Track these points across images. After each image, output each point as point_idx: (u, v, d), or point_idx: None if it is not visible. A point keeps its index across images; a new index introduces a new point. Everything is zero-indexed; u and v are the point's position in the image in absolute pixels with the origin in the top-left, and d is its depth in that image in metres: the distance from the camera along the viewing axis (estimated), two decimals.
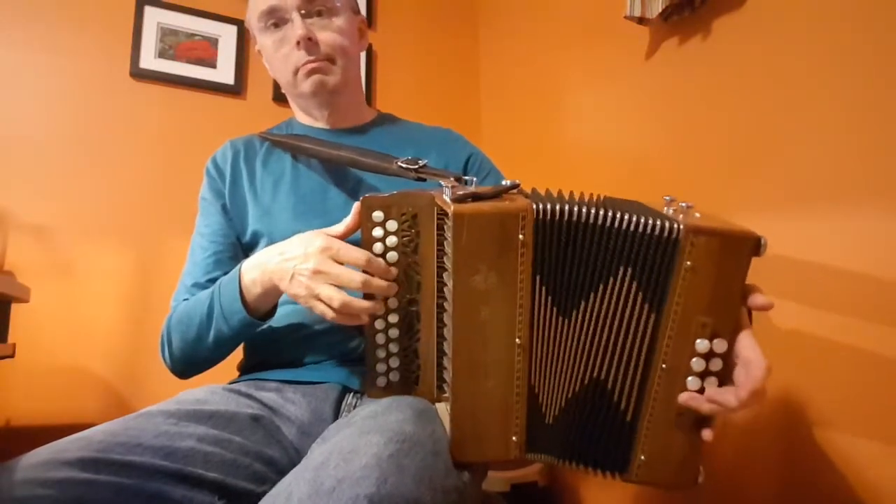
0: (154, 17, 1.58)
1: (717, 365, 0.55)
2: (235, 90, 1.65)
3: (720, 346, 0.54)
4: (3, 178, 1.38)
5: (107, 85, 1.52)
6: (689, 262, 0.54)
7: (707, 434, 0.56)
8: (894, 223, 0.73)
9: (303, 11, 0.86)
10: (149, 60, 1.56)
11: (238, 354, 0.86)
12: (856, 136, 0.78)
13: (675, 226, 0.54)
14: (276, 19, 0.87)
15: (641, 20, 1.12)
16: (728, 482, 0.93)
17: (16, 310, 1.24)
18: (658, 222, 0.55)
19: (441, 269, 0.63)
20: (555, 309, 0.58)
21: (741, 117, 0.97)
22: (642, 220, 0.55)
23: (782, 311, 0.86)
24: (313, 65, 0.86)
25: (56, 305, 1.38)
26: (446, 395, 0.63)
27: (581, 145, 1.43)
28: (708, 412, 0.54)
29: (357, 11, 0.96)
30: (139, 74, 1.55)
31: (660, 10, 1.05)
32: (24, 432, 1.30)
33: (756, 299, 0.55)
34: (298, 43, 0.85)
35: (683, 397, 0.55)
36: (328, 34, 0.87)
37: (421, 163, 0.77)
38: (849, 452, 0.77)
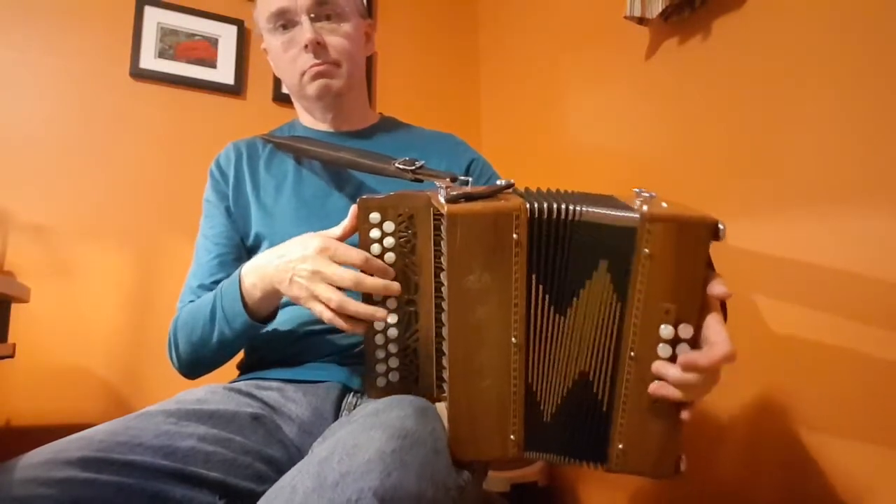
0: (154, 17, 1.58)
1: (683, 350, 0.55)
2: (235, 90, 1.65)
3: (685, 331, 0.55)
4: (4, 178, 1.38)
5: (107, 85, 1.52)
6: (646, 250, 0.54)
7: (685, 415, 0.56)
8: (894, 224, 0.73)
9: (312, 15, 0.86)
10: (149, 60, 1.56)
11: (238, 354, 0.86)
12: (856, 137, 0.79)
13: (632, 215, 0.55)
14: (285, 21, 0.87)
15: (641, 20, 1.12)
16: (727, 485, 0.93)
17: (16, 310, 1.24)
18: (618, 213, 0.56)
19: (438, 269, 0.63)
20: (551, 307, 0.58)
21: (741, 117, 0.97)
22: (608, 213, 0.56)
23: (781, 312, 0.86)
24: (319, 68, 0.87)
25: (56, 305, 1.38)
26: (446, 394, 0.63)
27: (581, 145, 1.43)
28: (675, 396, 0.54)
29: (365, 16, 0.96)
30: (139, 74, 1.55)
31: (660, 11, 1.05)
32: (24, 432, 1.30)
33: (714, 287, 0.55)
34: (306, 46, 0.85)
35: (652, 388, 0.55)
36: (336, 39, 0.88)
37: (418, 164, 0.77)
38: (847, 456, 0.77)
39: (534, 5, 1.68)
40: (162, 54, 1.58)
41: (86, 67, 1.50)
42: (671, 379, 0.54)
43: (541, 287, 0.58)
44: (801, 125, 0.86)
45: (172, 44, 1.60)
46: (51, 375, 1.35)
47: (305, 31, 0.85)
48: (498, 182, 0.61)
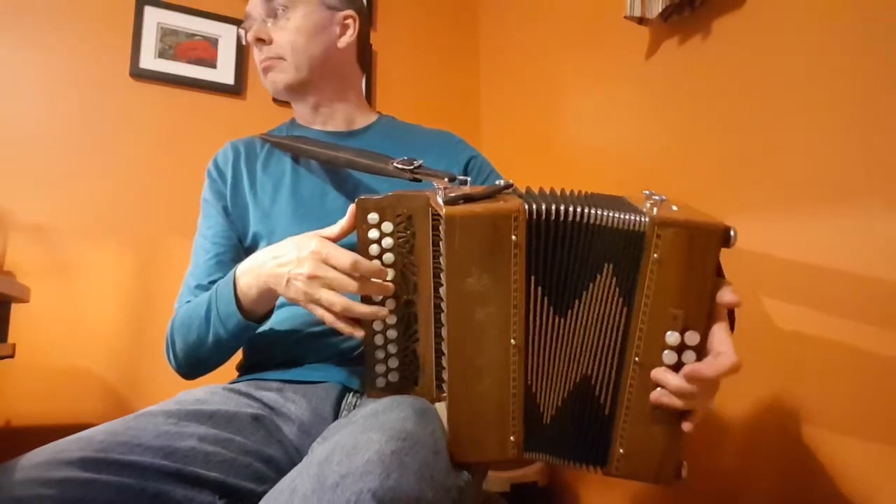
0: (154, 17, 1.58)
1: (689, 357, 0.54)
2: (235, 90, 1.65)
3: (692, 338, 0.54)
4: (4, 177, 1.38)
5: (107, 85, 1.52)
6: (655, 255, 0.54)
7: (686, 426, 0.55)
8: (894, 223, 0.73)
9: (265, 15, 0.89)
10: (149, 60, 1.56)
11: (238, 354, 0.86)
12: (856, 136, 0.79)
13: (642, 219, 0.55)
14: (248, 25, 0.91)
15: (641, 20, 1.12)
16: (727, 483, 0.93)
17: (16, 310, 1.25)
18: (627, 216, 0.55)
19: (437, 269, 0.63)
20: (550, 309, 0.58)
21: (741, 117, 0.97)
22: (616, 216, 0.56)
23: (782, 312, 0.86)
24: (265, 63, 0.90)
25: (56, 305, 1.38)
26: (445, 394, 0.63)
27: (581, 145, 1.43)
28: (675, 405, 0.54)
29: (336, 7, 0.94)
30: (139, 74, 1.55)
31: (660, 10, 1.05)
32: (24, 432, 1.30)
33: (724, 295, 0.54)
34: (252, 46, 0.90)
35: (653, 396, 0.55)
36: (280, 33, 0.89)
37: (416, 163, 0.77)
38: (847, 454, 0.77)
39: (534, 5, 1.68)
40: (162, 54, 1.58)
41: (86, 67, 1.50)
42: (671, 387, 0.54)
43: (540, 289, 0.58)
44: (801, 125, 0.86)
45: (172, 44, 1.60)
46: (51, 375, 1.35)
47: (249, 30, 0.89)
48: (498, 182, 0.61)
